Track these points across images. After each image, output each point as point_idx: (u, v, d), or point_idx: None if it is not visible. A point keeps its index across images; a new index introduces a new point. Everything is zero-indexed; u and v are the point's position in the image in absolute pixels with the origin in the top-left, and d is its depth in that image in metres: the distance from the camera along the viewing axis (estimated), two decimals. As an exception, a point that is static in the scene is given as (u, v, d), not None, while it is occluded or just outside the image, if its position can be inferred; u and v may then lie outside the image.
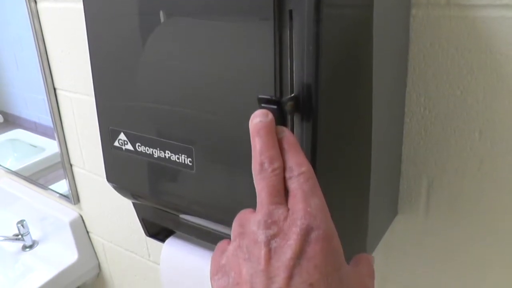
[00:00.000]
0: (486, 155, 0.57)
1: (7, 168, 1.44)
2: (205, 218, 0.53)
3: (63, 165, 1.19)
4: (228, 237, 0.55)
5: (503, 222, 0.59)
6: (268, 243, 0.31)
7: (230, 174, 0.47)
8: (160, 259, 0.67)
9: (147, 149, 0.53)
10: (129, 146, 0.55)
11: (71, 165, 1.19)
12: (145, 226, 0.66)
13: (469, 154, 0.59)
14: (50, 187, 1.33)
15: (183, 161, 0.50)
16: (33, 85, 1.14)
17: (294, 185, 0.33)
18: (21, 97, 1.29)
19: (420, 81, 0.59)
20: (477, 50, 0.54)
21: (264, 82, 0.42)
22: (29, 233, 1.37)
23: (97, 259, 1.36)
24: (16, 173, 1.41)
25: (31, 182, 1.37)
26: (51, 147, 1.22)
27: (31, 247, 1.39)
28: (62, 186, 1.28)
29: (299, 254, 0.31)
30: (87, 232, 1.32)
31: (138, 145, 0.54)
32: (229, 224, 0.51)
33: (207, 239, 0.58)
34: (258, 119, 0.35)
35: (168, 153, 0.51)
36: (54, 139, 1.18)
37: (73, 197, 1.24)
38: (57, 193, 1.29)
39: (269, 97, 0.38)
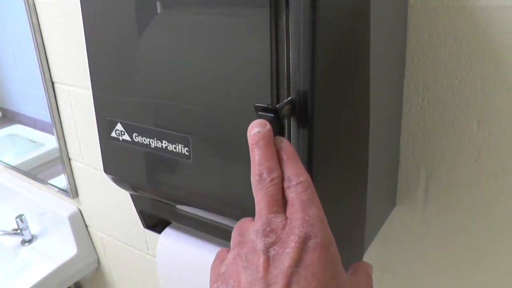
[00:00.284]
0: (484, 145, 0.57)
1: (5, 163, 1.44)
2: (202, 208, 0.53)
3: (61, 159, 1.19)
4: (224, 226, 0.55)
5: (502, 212, 0.59)
6: (266, 251, 0.32)
7: (227, 163, 0.47)
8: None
9: (144, 139, 0.53)
10: (126, 137, 0.54)
11: (69, 159, 1.19)
12: (143, 218, 0.66)
13: (467, 144, 0.58)
14: (49, 181, 1.33)
15: (180, 151, 0.50)
16: (32, 81, 1.14)
17: (292, 194, 0.34)
18: (20, 94, 1.30)
19: (418, 72, 0.59)
20: (475, 39, 0.54)
21: (261, 70, 0.42)
22: (28, 227, 1.37)
23: (96, 253, 1.36)
24: (15, 168, 1.40)
25: (30, 177, 1.37)
26: (50, 142, 1.22)
27: (30, 241, 1.39)
28: (61, 181, 1.28)
29: (297, 262, 0.31)
30: (86, 226, 1.32)
31: (135, 136, 0.53)
32: (225, 214, 0.51)
33: (204, 230, 0.58)
34: (256, 129, 0.36)
35: (165, 143, 0.51)
36: (53, 135, 1.17)
37: (72, 192, 1.24)
38: (56, 187, 1.29)
39: (265, 105, 0.38)
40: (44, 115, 1.17)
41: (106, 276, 1.40)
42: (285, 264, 0.31)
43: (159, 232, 0.67)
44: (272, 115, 0.38)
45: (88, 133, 1.08)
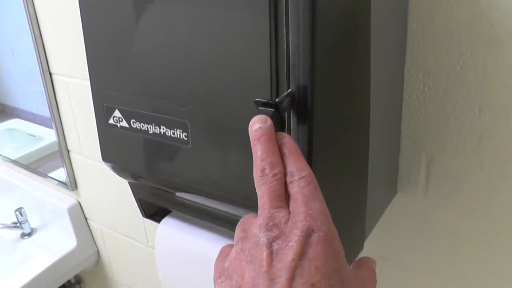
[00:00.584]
0: (486, 131, 0.57)
1: (5, 157, 1.43)
2: (201, 195, 0.53)
3: (60, 151, 1.18)
4: (223, 213, 0.55)
5: (503, 198, 0.58)
6: (269, 245, 0.32)
7: (226, 148, 0.46)
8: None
9: (142, 125, 0.52)
10: (124, 123, 0.54)
11: (68, 151, 1.19)
12: (142, 207, 0.65)
13: (468, 130, 0.58)
14: (48, 174, 1.32)
15: (178, 136, 0.49)
16: (31, 76, 1.13)
17: (295, 189, 0.34)
18: (19, 89, 1.29)
19: (419, 57, 0.58)
20: (477, 24, 0.53)
21: (260, 55, 0.41)
22: (27, 220, 1.36)
23: (96, 246, 1.36)
24: (14, 162, 1.40)
25: (29, 170, 1.37)
26: (49, 136, 1.22)
27: (29, 234, 1.39)
28: (60, 174, 1.27)
29: (301, 256, 0.31)
30: (86, 219, 1.31)
31: (133, 122, 0.53)
32: (224, 200, 0.51)
33: (204, 218, 0.58)
34: (258, 125, 0.36)
35: (163, 129, 0.50)
36: (52, 128, 1.17)
37: (71, 184, 1.24)
38: (55, 179, 1.29)
39: (266, 100, 0.38)
40: (44, 110, 1.16)
41: (106, 269, 1.39)
42: (288, 258, 0.31)
43: (158, 221, 0.66)
44: (273, 109, 0.37)
45: (86, 124, 1.08)
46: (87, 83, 1.00)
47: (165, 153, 0.51)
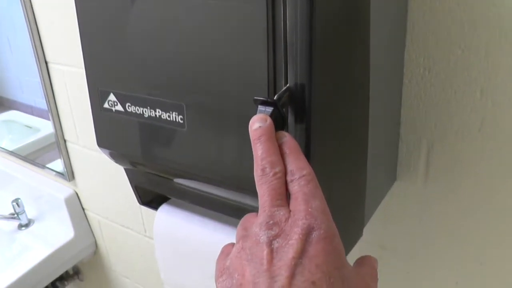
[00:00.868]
0: (487, 115, 0.56)
1: (2, 148, 1.42)
2: (198, 180, 0.52)
3: (56, 140, 1.17)
4: (220, 199, 0.54)
5: (505, 184, 0.58)
6: (270, 243, 0.32)
7: (222, 132, 0.46)
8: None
9: (137, 109, 0.51)
10: (119, 107, 0.53)
11: (65, 141, 1.17)
12: (138, 194, 0.64)
13: (470, 114, 0.57)
14: (46, 165, 1.31)
15: (174, 119, 0.48)
16: (28, 68, 1.12)
17: (295, 188, 0.34)
18: (16, 81, 1.28)
19: (420, 40, 0.57)
20: (479, 4, 0.52)
21: (257, 36, 0.40)
22: (24, 212, 1.36)
23: (94, 236, 1.35)
24: (11, 153, 1.39)
25: (26, 161, 1.36)
26: (46, 127, 1.21)
27: (27, 226, 1.38)
28: (57, 166, 1.27)
29: (301, 254, 0.31)
30: (83, 209, 1.30)
31: (128, 105, 0.52)
32: (221, 184, 0.50)
33: (201, 204, 0.57)
34: (257, 124, 0.36)
35: (158, 112, 0.49)
36: (49, 120, 1.16)
37: (68, 174, 1.23)
38: (52, 170, 1.28)
39: (264, 98, 0.38)
40: (41, 103, 1.15)
41: (104, 259, 1.39)
42: (288, 256, 0.31)
43: (155, 208, 0.65)
44: (272, 108, 0.37)
45: (83, 113, 1.07)
46: (83, 71, 0.98)
47: (161, 137, 0.50)
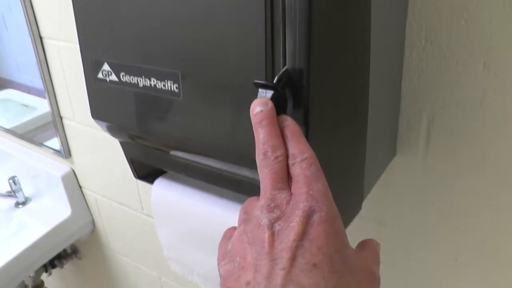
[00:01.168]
0: (490, 87, 0.55)
1: (-1, 126, 1.41)
2: (193, 152, 0.51)
3: (52, 117, 1.16)
4: (217, 171, 0.53)
5: (506, 157, 0.57)
6: (271, 226, 0.32)
7: (218, 99, 0.44)
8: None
9: (132, 78, 0.50)
10: (113, 77, 0.52)
11: (61, 117, 1.16)
12: (134, 168, 0.64)
13: (471, 87, 0.56)
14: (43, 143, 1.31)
15: (169, 88, 0.47)
16: (24, 47, 1.10)
17: (297, 171, 0.34)
18: (13, 61, 1.27)
19: (422, 11, 0.56)
20: (483, -28, 0.51)
21: (255, 2, 0.39)
22: (21, 189, 1.35)
23: (91, 214, 1.35)
24: (8, 131, 1.38)
25: (23, 139, 1.35)
26: (42, 106, 1.19)
27: (24, 203, 1.38)
28: (54, 144, 1.26)
29: (302, 236, 0.31)
30: (80, 187, 1.30)
31: (123, 75, 0.51)
32: (216, 156, 0.49)
33: (197, 176, 0.56)
34: (259, 108, 0.36)
35: (153, 81, 0.48)
36: (45, 98, 1.15)
37: (64, 151, 1.22)
38: (50, 148, 1.27)
39: (265, 82, 0.38)
40: (38, 83, 1.14)
41: (102, 238, 1.39)
42: (290, 238, 0.31)
43: (151, 182, 0.65)
44: (272, 91, 0.37)
45: (79, 89, 1.05)
46: (78, 46, 0.97)
47: (156, 106, 0.49)
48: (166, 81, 0.47)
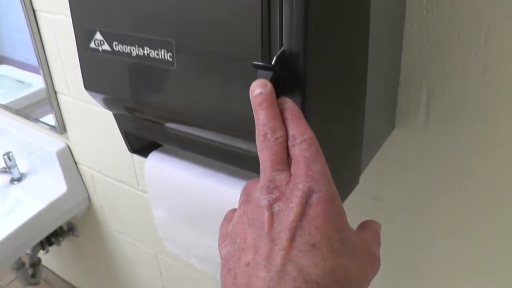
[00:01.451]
0: (491, 60, 0.54)
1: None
2: (187, 123, 0.50)
3: (47, 92, 1.15)
4: (212, 143, 0.52)
5: (507, 131, 0.56)
6: (270, 207, 0.32)
7: (212, 69, 0.43)
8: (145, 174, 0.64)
9: (125, 48, 0.48)
10: (106, 46, 0.50)
11: (55, 92, 1.15)
12: (128, 141, 0.62)
13: (473, 59, 0.55)
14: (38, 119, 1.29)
15: (163, 57, 0.46)
16: (19, 24, 1.08)
17: (296, 152, 0.34)
18: (8, 38, 1.25)
19: (423, -19, 0.54)
20: None
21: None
22: (16, 165, 1.34)
23: (87, 191, 1.34)
24: (3, 106, 1.37)
25: (17, 114, 1.33)
26: (38, 82, 1.18)
27: (19, 180, 1.37)
28: (49, 120, 1.24)
29: (301, 216, 0.31)
30: (75, 163, 1.29)
31: (115, 44, 0.49)
32: (211, 128, 0.48)
33: (191, 149, 0.55)
34: (258, 90, 0.36)
35: (147, 50, 0.47)
36: (40, 73, 1.13)
37: (60, 127, 1.20)
38: (45, 124, 1.26)
39: (263, 64, 0.38)
40: (33, 60, 1.13)
41: (98, 215, 1.38)
42: (289, 219, 0.31)
43: (145, 156, 0.64)
44: (272, 72, 0.37)
45: (73, 64, 1.04)
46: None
47: (150, 76, 0.48)
48: (159, 50, 0.46)
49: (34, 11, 1.03)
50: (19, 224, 1.21)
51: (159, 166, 0.62)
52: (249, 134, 0.43)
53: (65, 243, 1.61)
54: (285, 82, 0.38)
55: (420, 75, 0.59)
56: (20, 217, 1.23)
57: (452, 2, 0.53)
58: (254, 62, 0.38)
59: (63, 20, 0.98)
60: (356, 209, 0.72)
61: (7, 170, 1.34)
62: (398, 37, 0.58)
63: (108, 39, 0.50)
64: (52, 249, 1.59)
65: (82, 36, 0.53)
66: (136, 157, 1.06)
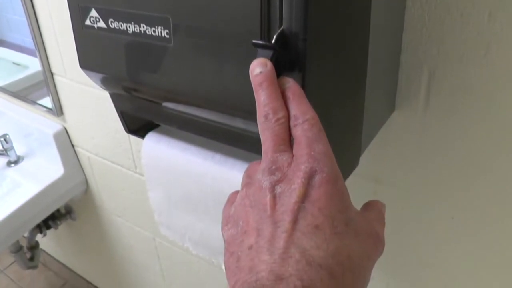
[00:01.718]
0: (494, 40, 0.53)
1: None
2: (184, 102, 0.49)
3: (43, 73, 1.13)
4: (210, 123, 0.51)
5: (508, 113, 0.55)
6: (272, 189, 0.32)
7: (211, 45, 0.42)
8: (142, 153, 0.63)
9: (121, 25, 0.47)
10: (101, 24, 0.49)
11: (52, 74, 1.13)
12: (125, 121, 0.62)
13: (475, 39, 0.54)
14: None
15: (159, 34, 0.45)
16: (15, 6, 1.07)
17: (298, 132, 0.33)
18: (4, 21, 1.24)
19: (426, -42, 0.53)
20: None
21: None
22: (13, 148, 1.33)
23: (84, 174, 1.34)
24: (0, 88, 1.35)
25: (14, 96, 1.32)
26: (34, 65, 1.17)
27: (16, 162, 1.36)
28: (47, 103, 1.23)
29: (303, 198, 0.31)
30: (72, 145, 1.28)
31: (111, 21, 0.48)
32: (208, 106, 0.47)
33: (189, 129, 0.54)
34: (258, 69, 0.35)
35: (143, 27, 0.46)
36: (37, 55, 1.12)
37: (56, 109, 1.19)
38: (42, 106, 1.25)
39: (263, 42, 0.37)
40: (30, 43, 1.11)
41: (95, 198, 1.38)
42: (291, 201, 0.31)
43: (142, 136, 0.63)
44: (272, 51, 0.36)
45: (69, 45, 1.02)
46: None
47: (147, 54, 0.47)
48: (156, 26, 0.45)
49: (29, -10, 1.02)
50: (16, 207, 1.20)
51: (156, 146, 0.61)
52: (247, 113, 0.42)
53: (63, 227, 1.61)
54: (285, 62, 0.37)
55: (421, 56, 0.58)
56: (17, 200, 1.23)
57: (455, -20, 0.52)
58: (254, 41, 0.37)
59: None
60: (355, 191, 0.71)
61: (4, 152, 1.33)
62: (400, 16, 0.57)
63: (104, 16, 0.49)
64: (50, 232, 1.59)
65: (77, 13, 0.52)
66: (134, 140, 1.06)
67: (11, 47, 1.28)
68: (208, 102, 0.46)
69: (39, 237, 1.58)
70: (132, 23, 0.46)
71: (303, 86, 0.39)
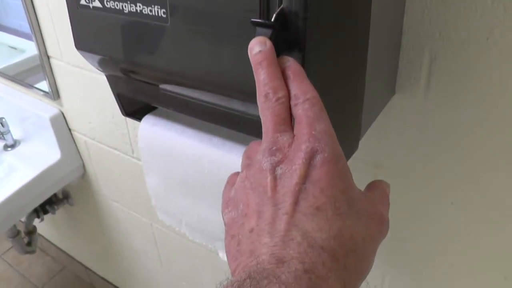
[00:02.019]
0: (497, 23, 0.52)
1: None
2: (181, 83, 0.48)
3: (39, 56, 1.12)
4: (207, 105, 0.50)
5: (510, 102, 0.54)
6: (273, 170, 0.31)
7: (209, 24, 0.41)
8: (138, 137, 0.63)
9: (117, 4, 0.46)
10: (97, 3, 0.48)
11: (48, 57, 1.12)
12: (121, 104, 0.61)
13: (478, 22, 0.53)
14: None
15: (156, 13, 0.44)
16: None
17: (299, 112, 0.32)
18: (0, 4, 1.23)
19: None
20: None
21: None
22: (9, 131, 1.33)
23: (81, 159, 1.33)
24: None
25: (10, 80, 1.31)
26: (31, 49, 1.16)
27: (13, 146, 1.36)
28: (43, 87, 1.22)
29: (304, 179, 0.30)
30: (69, 130, 1.27)
31: (107, 0, 0.47)
32: (205, 88, 0.46)
33: (187, 111, 0.54)
34: (257, 48, 0.34)
35: (139, 6, 0.45)
36: (33, 39, 1.10)
37: (53, 92, 1.18)
38: (37, 89, 1.24)
39: (262, 21, 0.36)
40: (27, 27, 1.10)
41: (93, 183, 1.37)
42: (292, 182, 0.30)
43: (139, 119, 0.62)
44: (271, 30, 0.35)
45: (66, 27, 1.01)
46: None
47: (143, 34, 0.46)
48: (153, 6, 0.44)
49: (24, -29, 1.00)
50: (13, 191, 1.20)
51: (153, 129, 0.60)
52: (245, 94, 0.41)
53: (60, 212, 1.61)
54: (285, 41, 0.36)
55: (423, 39, 0.57)
56: (14, 184, 1.22)
57: (458, -39, 0.51)
58: (253, 19, 0.36)
59: (55, -19, 0.95)
60: (354, 176, 0.71)
61: (0, 136, 1.32)
62: (401, -2, 0.56)
63: (99, -6, 0.48)
64: (47, 217, 1.58)
65: (73, -8, 0.51)
66: (131, 124, 1.05)
67: (8, 31, 1.27)
68: (206, 84, 0.45)
69: (36, 222, 1.58)
70: (128, 2, 0.46)
71: (303, 66, 0.38)
